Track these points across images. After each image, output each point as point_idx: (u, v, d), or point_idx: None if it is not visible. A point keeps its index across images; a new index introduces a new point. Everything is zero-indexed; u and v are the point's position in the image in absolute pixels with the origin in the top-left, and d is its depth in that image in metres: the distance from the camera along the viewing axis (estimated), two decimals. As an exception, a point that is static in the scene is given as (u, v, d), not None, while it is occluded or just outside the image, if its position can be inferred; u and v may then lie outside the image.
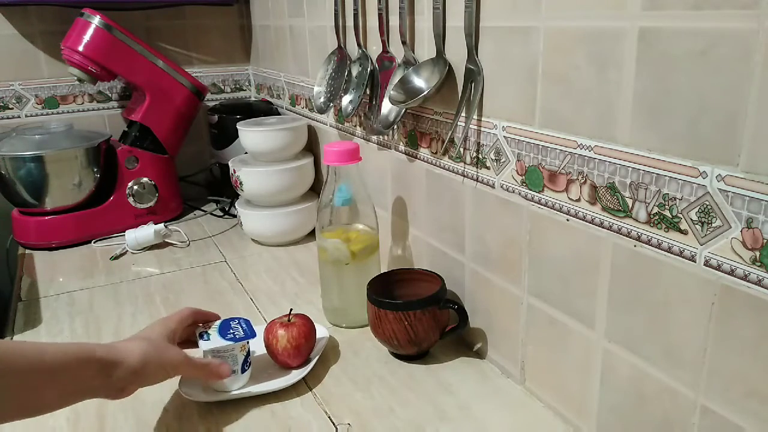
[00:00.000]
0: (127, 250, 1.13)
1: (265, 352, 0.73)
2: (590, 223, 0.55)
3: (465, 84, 0.67)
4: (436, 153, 0.78)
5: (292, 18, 1.16)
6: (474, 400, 0.68)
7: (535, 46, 0.58)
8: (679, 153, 0.46)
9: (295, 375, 0.71)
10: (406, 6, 0.76)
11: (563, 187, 0.58)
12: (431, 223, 0.82)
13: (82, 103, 1.34)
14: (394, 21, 0.79)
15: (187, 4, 1.34)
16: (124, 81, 1.34)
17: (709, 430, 0.47)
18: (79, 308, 0.92)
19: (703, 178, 0.44)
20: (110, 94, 1.36)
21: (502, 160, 0.66)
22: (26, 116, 1.29)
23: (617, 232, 0.53)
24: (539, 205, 0.61)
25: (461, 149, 0.72)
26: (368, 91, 0.89)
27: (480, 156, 0.69)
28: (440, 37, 0.70)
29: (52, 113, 1.31)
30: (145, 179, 1.22)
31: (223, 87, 1.47)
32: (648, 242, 0.50)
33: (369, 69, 0.88)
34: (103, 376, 0.55)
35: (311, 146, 1.18)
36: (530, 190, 0.62)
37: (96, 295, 0.96)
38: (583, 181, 0.55)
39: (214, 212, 1.33)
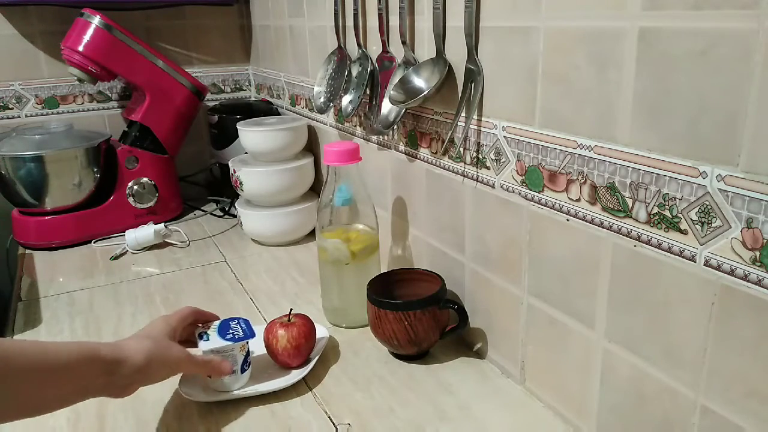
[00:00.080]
0: (127, 250, 1.13)
1: (265, 352, 0.73)
2: (590, 223, 0.55)
3: (465, 84, 0.67)
4: (436, 153, 0.78)
5: (292, 18, 1.16)
6: (474, 400, 0.68)
7: (535, 46, 0.58)
8: (679, 153, 0.46)
9: (295, 375, 0.71)
10: (406, 6, 0.76)
11: (563, 187, 0.58)
12: (431, 223, 0.82)
13: (82, 103, 1.34)
14: (394, 21, 0.79)
15: (187, 4, 1.34)
16: (124, 81, 1.34)
17: (709, 430, 0.47)
18: (79, 308, 0.92)
19: (703, 178, 0.44)
20: (110, 94, 1.36)
21: (502, 160, 0.66)
22: (26, 116, 1.29)
23: (617, 232, 0.53)
24: (539, 205, 0.61)
25: (461, 149, 0.72)
26: (368, 91, 0.89)
27: (480, 156, 0.69)
28: (440, 37, 0.70)
29: (52, 113, 1.31)
30: (145, 179, 1.22)
31: (223, 87, 1.47)
32: (648, 242, 0.50)
33: (369, 69, 0.88)
34: (107, 374, 0.55)
35: (311, 146, 1.18)
36: (530, 190, 0.62)
37: (96, 295, 0.96)
38: (583, 181, 0.55)
39: (214, 212, 1.33)
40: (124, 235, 1.14)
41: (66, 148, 1.13)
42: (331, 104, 0.95)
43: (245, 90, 1.50)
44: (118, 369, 0.56)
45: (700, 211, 0.45)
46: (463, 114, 0.69)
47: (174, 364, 0.62)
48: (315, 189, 1.17)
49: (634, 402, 0.54)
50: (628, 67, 0.48)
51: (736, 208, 0.42)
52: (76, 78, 1.16)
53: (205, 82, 1.40)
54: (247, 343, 0.69)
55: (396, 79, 0.78)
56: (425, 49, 0.76)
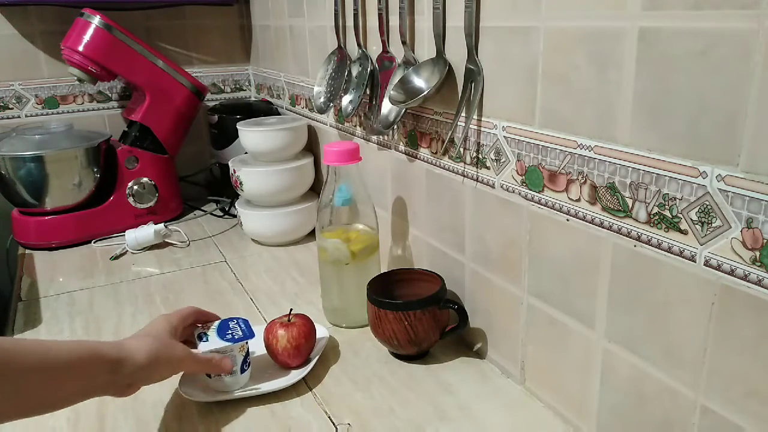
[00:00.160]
0: (127, 250, 1.13)
1: (265, 352, 0.73)
2: (590, 223, 0.55)
3: (465, 84, 0.67)
4: (436, 153, 0.78)
5: (292, 18, 1.16)
6: (474, 400, 0.68)
7: (535, 46, 0.58)
8: (679, 153, 0.46)
9: (295, 375, 0.71)
10: (406, 6, 0.76)
11: (563, 187, 0.58)
12: (431, 223, 0.82)
13: (82, 103, 1.34)
14: (394, 21, 0.79)
15: (187, 4, 1.34)
16: (124, 81, 1.34)
17: (709, 430, 0.47)
18: (79, 308, 0.92)
19: (703, 178, 0.44)
20: (110, 94, 1.36)
21: (502, 160, 0.65)
22: (26, 116, 1.29)
23: (617, 232, 0.53)
24: (539, 205, 0.61)
25: (461, 149, 0.72)
26: (368, 91, 0.89)
27: (480, 156, 0.69)
28: (440, 37, 0.70)
29: (52, 113, 1.31)
30: (145, 179, 1.22)
31: (223, 87, 1.47)
32: (648, 242, 0.50)
33: (369, 69, 0.88)
34: (110, 373, 0.55)
35: (311, 146, 1.18)
36: (530, 190, 0.62)
37: (96, 295, 0.96)
38: (583, 181, 0.55)
39: (214, 212, 1.33)
40: (124, 235, 1.14)
41: (66, 148, 1.13)
42: (331, 104, 0.95)
43: (245, 90, 1.50)
44: (120, 368, 0.56)
45: (700, 211, 0.45)
46: (463, 114, 0.69)
47: (176, 362, 0.62)
48: (315, 189, 1.17)
49: (634, 402, 0.54)
50: (628, 67, 0.48)
51: (736, 208, 0.42)
52: (76, 78, 1.16)
53: (205, 82, 1.40)
54: (247, 343, 0.69)
55: (396, 79, 0.78)
56: (425, 49, 0.76)
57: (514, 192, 0.65)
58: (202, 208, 1.35)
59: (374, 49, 0.87)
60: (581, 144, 0.54)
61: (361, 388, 0.70)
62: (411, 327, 0.72)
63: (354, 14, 0.88)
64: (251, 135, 1.09)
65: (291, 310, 0.75)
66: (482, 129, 0.68)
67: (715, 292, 0.45)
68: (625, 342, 0.54)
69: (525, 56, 0.59)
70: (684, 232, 0.46)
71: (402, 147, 0.86)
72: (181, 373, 0.69)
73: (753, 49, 0.39)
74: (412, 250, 0.89)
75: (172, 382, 0.66)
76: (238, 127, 1.10)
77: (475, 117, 0.68)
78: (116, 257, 1.11)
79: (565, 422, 0.64)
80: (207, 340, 0.67)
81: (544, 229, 0.61)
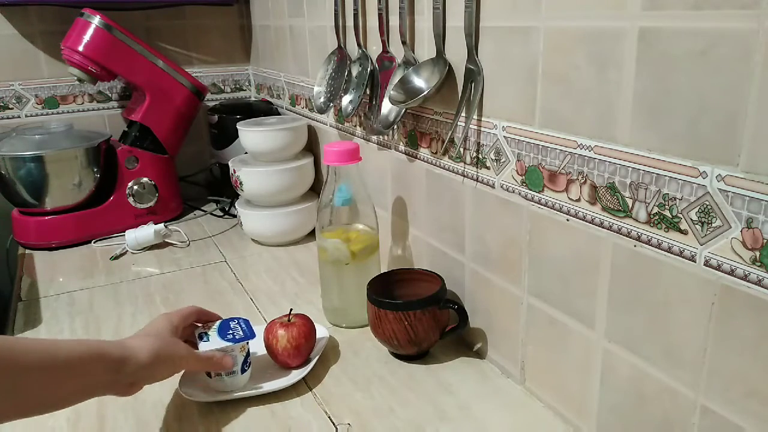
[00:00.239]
0: (127, 250, 1.13)
1: (265, 352, 0.73)
2: (590, 223, 0.55)
3: (465, 84, 0.67)
4: (436, 153, 0.78)
5: (292, 18, 1.16)
6: (474, 400, 0.68)
7: (535, 46, 0.58)
8: (679, 153, 0.46)
9: (295, 375, 0.71)
10: (406, 6, 0.76)
11: (563, 187, 0.58)
12: (431, 223, 0.82)
13: (82, 103, 1.34)
14: (394, 21, 0.79)
15: (187, 4, 1.34)
16: (124, 81, 1.34)
17: (709, 430, 0.47)
18: (79, 308, 0.92)
19: (703, 178, 0.44)
20: (110, 94, 1.36)
21: (502, 160, 0.66)
22: (26, 116, 1.29)
23: (617, 232, 0.53)
24: (539, 205, 0.61)
25: (461, 149, 0.72)
26: (368, 91, 0.89)
27: (480, 156, 0.69)
28: (440, 37, 0.70)
29: (52, 113, 1.31)
30: (145, 179, 1.22)
31: (223, 87, 1.47)
32: (648, 242, 0.50)
33: (369, 69, 0.88)
34: (113, 372, 0.55)
35: (311, 146, 1.18)
36: (530, 190, 0.62)
37: (96, 295, 0.96)
38: (583, 181, 0.55)
39: (214, 212, 1.33)
40: (124, 235, 1.14)
41: (66, 148, 1.13)
42: (331, 104, 0.95)
43: (245, 90, 1.50)
44: (123, 367, 0.56)
45: (700, 211, 0.45)
46: (463, 114, 0.69)
47: (178, 360, 0.62)
48: (315, 189, 1.17)
49: (634, 402, 0.54)
50: (628, 67, 0.48)
51: (736, 208, 0.42)
52: (76, 78, 1.16)
53: (205, 82, 1.40)
54: (248, 343, 0.69)
55: (396, 79, 0.78)
56: (425, 49, 0.76)
57: (514, 192, 0.65)
58: (202, 208, 1.35)
59: (374, 49, 0.87)
60: (581, 144, 0.54)
61: (361, 388, 0.70)
62: (411, 327, 0.72)
63: (354, 14, 0.88)
64: (251, 135, 1.09)
65: (291, 310, 0.75)
66: (482, 129, 0.68)
67: (715, 292, 0.45)
68: (625, 342, 0.54)
69: (525, 56, 0.59)
70: (684, 232, 0.46)
71: (402, 147, 0.86)
72: (181, 373, 0.69)
73: (753, 49, 0.39)
74: (412, 250, 0.89)
75: (173, 382, 0.66)
76: (238, 127, 1.10)
77: (475, 117, 0.68)
78: (116, 257, 1.11)
79: (565, 422, 0.64)
80: (208, 340, 0.67)
81: (544, 229, 0.61)
